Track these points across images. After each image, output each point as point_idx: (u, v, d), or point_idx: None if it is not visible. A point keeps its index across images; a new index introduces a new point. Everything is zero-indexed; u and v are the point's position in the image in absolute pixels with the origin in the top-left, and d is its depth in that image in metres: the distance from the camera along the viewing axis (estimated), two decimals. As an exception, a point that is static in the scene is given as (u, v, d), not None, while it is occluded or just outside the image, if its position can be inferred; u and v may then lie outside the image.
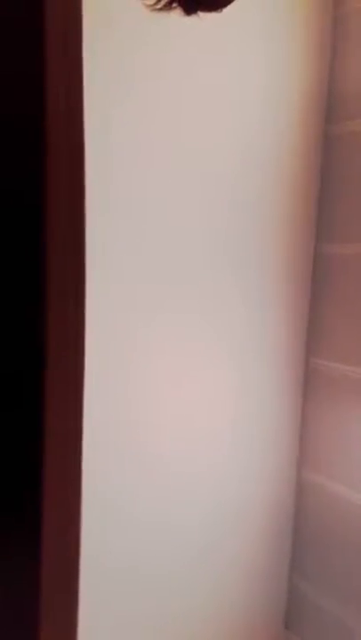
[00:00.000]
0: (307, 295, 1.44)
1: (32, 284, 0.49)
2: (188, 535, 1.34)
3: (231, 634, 1.46)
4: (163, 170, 1.19)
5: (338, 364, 1.38)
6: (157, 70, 1.16)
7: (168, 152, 1.19)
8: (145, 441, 1.24)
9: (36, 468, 0.56)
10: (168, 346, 1.24)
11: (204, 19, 0.80)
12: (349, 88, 1.34)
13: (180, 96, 1.19)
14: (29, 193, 0.48)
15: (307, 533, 1.49)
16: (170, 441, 1.28)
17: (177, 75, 1.18)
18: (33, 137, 0.48)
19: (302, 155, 1.37)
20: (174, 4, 0.77)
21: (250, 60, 1.27)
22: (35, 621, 0.58)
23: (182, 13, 0.78)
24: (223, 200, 1.28)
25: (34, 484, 0.56)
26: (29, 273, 0.50)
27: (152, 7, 0.76)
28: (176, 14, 0.79)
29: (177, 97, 1.19)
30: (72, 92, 0.49)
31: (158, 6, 0.76)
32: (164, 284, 1.22)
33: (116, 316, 1.17)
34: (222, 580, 1.42)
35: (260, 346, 1.38)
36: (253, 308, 1.35)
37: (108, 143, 1.11)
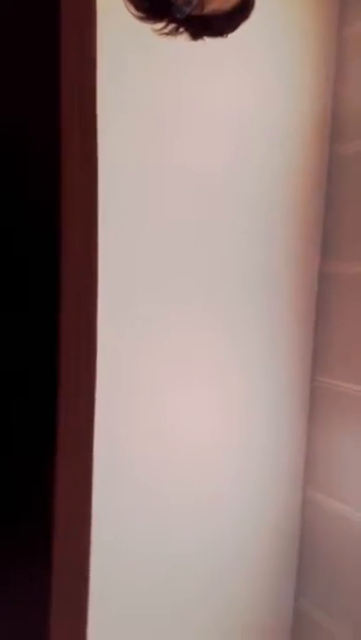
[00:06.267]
0: (313, 314, 1.44)
1: (47, 301, 0.51)
2: (194, 558, 1.33)
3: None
4: (171, 189, 1.20)
5: (343, 383, 1.38)
6: (163, 92, 1.18)
7: (175, 173, 1.20)
8: (148, 463, 1.24)
9: (48, 485, 0.57)
10: (175, 367, 1.25)
11: (210, 43, 0.82)
12: (355, 108, 1.36)
13: (185, 118, 1.21)
14: (46, 217, 0.50)
15: (312, 554, 1.48)
16: (175, 460, 1.28)
17: (183, 97, 1.20)
18: (49, 156, 0.49)
19: (309, 174, 1.39)
20: (181, 29, 0.79)
21: (256, 81, 1.29)
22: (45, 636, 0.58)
23: (189, 38, 0.80)
24: (231, 219, 1.29)
25: (45, 499, 0.57)
26: (45, 289, 0.51)
27: (160, 32, 0.78)
28: (183, 39, 0.81)
29: (183, 119, 1.20)
30: (85, 111, 0.51)
31: (166, 31, 0.78)
32: (174, 304, 1.23)
33: (123, 335, 1.17)
34: (229, 603, 1.41)
35: (266, 366, 1.38)
36: (260, 328, 1.36)
37: (111, 162, 1.13)
